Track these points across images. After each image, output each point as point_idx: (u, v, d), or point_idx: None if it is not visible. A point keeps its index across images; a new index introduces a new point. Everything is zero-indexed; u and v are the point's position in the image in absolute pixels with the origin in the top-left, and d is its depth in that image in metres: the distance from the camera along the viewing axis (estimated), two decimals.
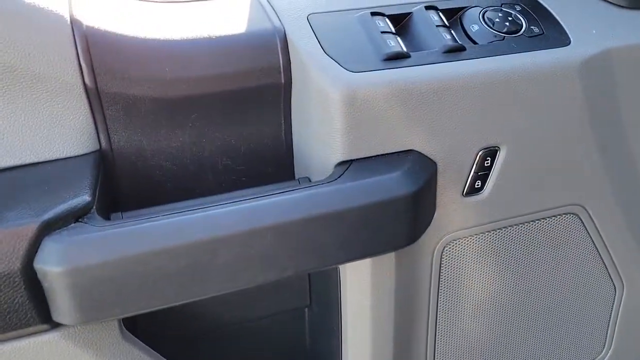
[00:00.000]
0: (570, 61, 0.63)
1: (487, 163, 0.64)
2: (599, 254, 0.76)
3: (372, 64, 0.59)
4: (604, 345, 0.84)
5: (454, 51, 0.61)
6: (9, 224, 0.48)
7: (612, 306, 0.81)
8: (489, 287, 0.72)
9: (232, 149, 0.64)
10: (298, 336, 0.80)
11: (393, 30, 0.62)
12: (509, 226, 0.70)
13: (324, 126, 0.59)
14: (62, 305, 0.49)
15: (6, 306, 0.49)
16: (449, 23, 0.64)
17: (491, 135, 0.63)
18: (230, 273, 0.53)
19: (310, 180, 0.62)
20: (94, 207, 0.52)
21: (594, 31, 0.66)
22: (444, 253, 0.67)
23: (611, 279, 0.78)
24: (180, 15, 0.63)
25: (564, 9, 0.68)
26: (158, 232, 0.51)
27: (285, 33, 0.61)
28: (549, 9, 0.68)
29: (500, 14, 0.66)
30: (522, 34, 0.65)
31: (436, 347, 0.73)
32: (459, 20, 0.66)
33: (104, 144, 0.58)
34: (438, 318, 0.71)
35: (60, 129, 0.55)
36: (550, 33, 0.65)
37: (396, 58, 0.59)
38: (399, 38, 0.61)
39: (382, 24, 0.62)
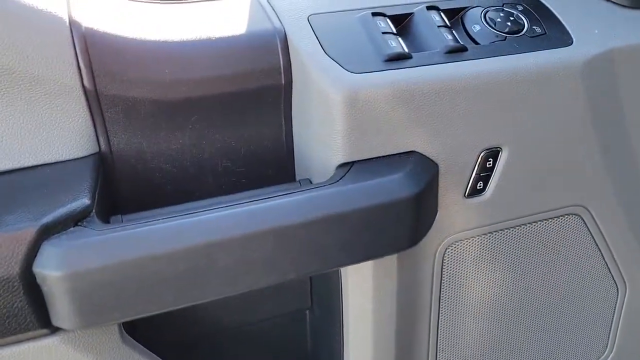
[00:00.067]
0: (572, 61, 0.63)
1: (489, 164, 0.64)
2: (602, 255, 0.76)
3: (374, 64, 0.58)
4: (607, 346, 0.83)
5: (456, 52, 0.61)
6: (8, 228, 0.48)
7: (615, 307, 0.80)
8: (491, 288, 0.72)
9: (232, 150, 0.63)
10: (299, 339, 0.80)
11: (394, 30, 0.62)
12: (511, 227, 0.69)
13: (325, 127, 0.58)
14: (61, 309, 0.49)
15: (5, 311, 0.49)
16: (450, 23, 0.64)
17: (493, 136, 0.63)
18: (230, 277, 0.52)
19: (311, 182, 0.62)
20: (94, 210, 0.51)
21: (597, 31, 0.66)
22: (446, 255, 0.67)
23: (614, 279, 0.78)
24: (180, 16, 0.62)
25: (566, 9, 0.67)
26: (158, 236, 0.50)
27: (285, 34, 0.61)
28: (550, 8, 0.67)
29: (502, 14, 0.65)
30: (524, 34, 0.64)
31: (438, 349, 0.72)
32: (460, 20, 0.65)
33: (103, 146, 0.58)
34: (440, 320, 0.71)
35: (59, 132, 0.54)
36: (553, 33, 0.65)
37: (397, 59, 0.59)
38: (400, 39, 0.61)
39: (383, 25, 0.61)
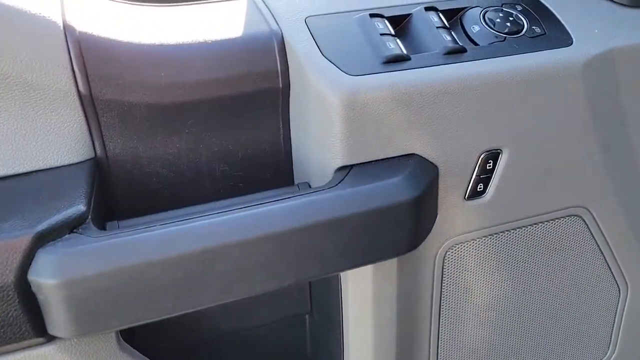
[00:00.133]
0: (572, 61, 0.62)
1: (489, 166, 0.64)
2: (603, 256, 0.75)
3: (372, 66, 0.57)
4: (609, 347, 0.83)
5: (455, 53, 0.60)
6: (3, 236, 0.47)
7: (617, 308, 0.80)
8: (492, 291, 0.71)
9: (230, 154, 0.63)
10: (299, 344, 0.79)
11: (392, 32, 0.61)
12: (512, 229, 0.69)
13: (323, 131, 0.58)
14: (57, 318, 0.48)
15: (0, 319, 0.48)
16: (449, 24, 0.63)
17: (493, 137, 0.62)
18: (228, 283, 0.52)
19: (309, 186, 0.61)
20: (89, 217, 0.51)
21: (597, 31, 0.65)
22: (446, 258, 0.66)
23: (615, 280, 0.77)
24: (175, 19, 0.62)
25: (566, 9, 0.67)
26: (154, 243, 0.49)
27: (282, 36, 0.60)
28: (550, 8, 0.67)
29: (501, 14, 0.65)
30: (523, 35, 0.64)
31: (439, 353, 0.72)
32: (459, 21, 0.65)
33: (99, 151, 0.57)
34: (441, 324, 0.70)
35: (54, 137, 0.54)
36: (552, 33, 0.64)
37: (396, 61, 0.58)
38: (398, 40, 0.60)
39: (381, 26, 0.61)
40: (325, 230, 0.53)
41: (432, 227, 0.63)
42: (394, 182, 0.56)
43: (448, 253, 0.66)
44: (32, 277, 0.47)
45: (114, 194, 0.60)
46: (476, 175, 0.63)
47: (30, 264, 0.47)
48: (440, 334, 0.71)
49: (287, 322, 0.77)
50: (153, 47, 0.57)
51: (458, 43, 0.61)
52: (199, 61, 0.58)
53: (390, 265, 0.62)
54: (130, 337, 0.64)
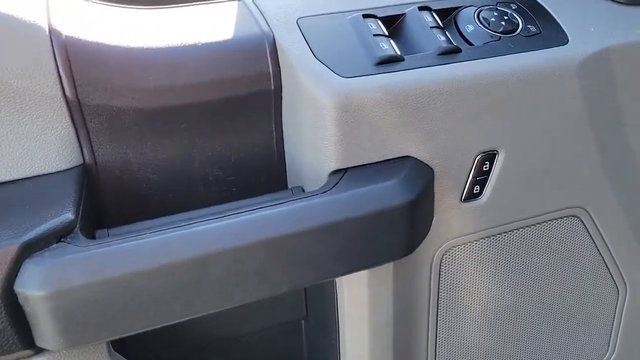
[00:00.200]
0: (568, 60, 0.62)
1: (486, 167, 0.63)
2: (602, 256, 0.74)
3: (365, 68, 0.57)
4: (608, 348, 0.82)
5: (449, 53, 0.59)
6: None
7: (616, 309, 0.79)
8: (491, 294, 0.70)
9: (222, 159, 0.62)
10: (294, 350, 0.78)
11: (386, 32, 0.60)
12: (509, 231, 0.68)
13: (316, 134, 0.57)
14: (45, 330, 0.47)
15: None
16: (443, 24, 0.62)
17: (489, 138, 0.61)
18: (222, 291, 0.51)
19: (303, 190, 0.60)
20: (78, 225, 0.50)
21: (592, 29, 0.64)
22: (443, 261, 0.66)
23: (614, 281, 0.77)
24: (164, 21, 0.61)
25: (561, 7, 0.66)
26: (145, 251, 0.48)
27: (274, 38, 0.59)
28: (545, 6, 0.66)
29: (495, 13, 0.64)
30: (518, 34, 0.63)
31: (437, 358, 0.71)
32: (453, 20, 0.64)
33: (87, 158, 0.56)
34: (438, 328, 0.69)
35: (41, 144, 0.53)
36: (548, 32, 0.64)
37: (389, 62, 0.57)
38: (392, 41, 0.59)
39: (374, 27, 0.60)
40: (319, 235, 0.52)
41: (428, 230, 0.62)
42: (388, 185, 0.55)
43: (445, 256, 0.65)
44: (19, 288, 0.46)
45: (104, 201, 0.58)
46: (472, 177, 0.62)
47: (17, 275, 0.46)
48: (437, 338, 0.70)
49: (283, 328, 0.76)
50: (142, 50, 0.56)
51: (452, 43, 0.60)
52: (189, 64, 0.57)
53: (386, 269, 0.62)
54: (121, 346, 0.63)
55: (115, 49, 0.55)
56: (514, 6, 0.65)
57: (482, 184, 0.63)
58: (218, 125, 0.60)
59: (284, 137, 0.63)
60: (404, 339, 0.67)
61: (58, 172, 0.54)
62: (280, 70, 0.59)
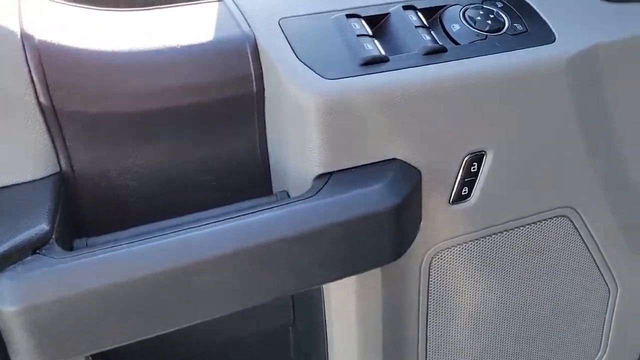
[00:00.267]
0: (555, 59, 0.61)
1: (474, 168, 0.62)
2: (592, 256, 0.74)
3: (349, 69, 0.55)
4: (599, 348, 0.82)
5: (435, 53, 0.58)
6: None
7: (607, 308, 0.79)
8: (481, 296, 0.69)
9: (205, 164, 0.60)
10: (282, 357, 0.77)
11: (370, 32, 0.59)
12: (499, 232, 0.67)
13: (300, 137, 0.55)
14: (20, 346, 0.45)
15: None
16: (428, 23, 0.61)
17: (477, 139, 0.60)
18: (205, 301, 0.49)
19: (288, 195, 0.59)
20: (53, 236, 0.48)
21: (579, 27, 0.64)
22: (432, 264, 0.64)
23: (605, 280, 0.76)
24: (142, 23, 0.59)
25: (548, 4, 0.65)
26: (123, 262, 0.47)
27: (255, 39, 0.58)
28: (531, 4, 0.65)
29: (481, 12, 0.63)
30: (504, 32, 0.62)
31: None
32: (438, 19, 0.63)
33: (64, 165, 0.54)
34: (429, 333, 0.68)
35: (14, 152, 0.51)
36: (534, 30, 0.63)
37: (374, 62, 0.56)
38: (376, 41, 0.58)
39: (358, 27, 0.59)
40: (305, 242, 0.51)
41: (416, 234, 0.61)
42: (375, 189, 0.54)
43: (434, 260, 0.64)
44: None
45: (82, 210, 0.57)
46: (460, 179, 0.61)
47: None
48: (428, 343, 0.69)
49: (270, 334, 0.74)
50: (118, 54, 0.55)
51: (438, 42, 0.59)
52: (168, 67, 0.56)
53: (374, 275, 0.60)
54: (104, 358, 0.61)
55: (91, 52, 0.53)
56: (500, 4, 0.64)
57: (471, 185, 0.62)
58: (199, 130, 0.58)
59: (267, 140, 0.62)
60: (394, 345, 0.66)
61: (33, 180, 0.52)
62: (262, 73, 0.58)
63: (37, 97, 0.51)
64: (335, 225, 0.52)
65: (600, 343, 0.81)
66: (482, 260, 0.67)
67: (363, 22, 0.60)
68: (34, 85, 0.50)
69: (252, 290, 0.51)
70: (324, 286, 0.62)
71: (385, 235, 0.55)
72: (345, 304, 0.61)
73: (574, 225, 0.71)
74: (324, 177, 0.55)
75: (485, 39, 0.61)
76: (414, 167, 0.58)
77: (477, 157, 0.61)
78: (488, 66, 0.58)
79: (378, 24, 0.61)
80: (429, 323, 0.67)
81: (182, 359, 0.71)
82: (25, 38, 0.50)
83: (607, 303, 0.78)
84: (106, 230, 0.53)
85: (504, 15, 0.63)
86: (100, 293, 0.45)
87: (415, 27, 0.59)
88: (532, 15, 0.64)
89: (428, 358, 0.70)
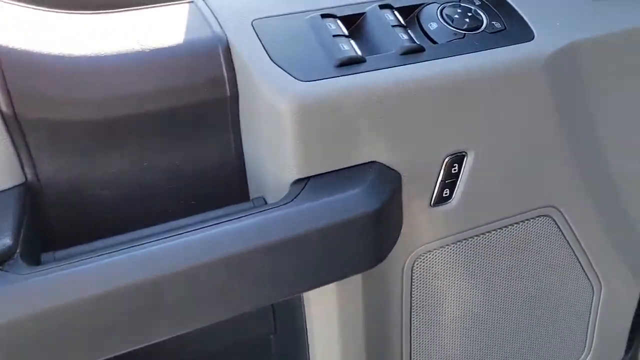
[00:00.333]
0: (534, 56, 0.60)
1: (455, 170, 0.61)
2: (575, 255, 0.73)
3: (325, 71, 0.54)
4: (584, 347, 0.81)
5: (412, 52, 0.57)
6: None
7: (591, 307, 0.78)
8: (465, 298, 0.68)
9: (178, 171, 0.58)
10: None
11: (346, 32, 0.57)
12: (481, 234, 0.66)
13: (275, 142, 0.54)
14: None
15: None
16: (405, 22, 0.60)
17: (457, 140, 0.59)
18: (180, 315, 0.48)
19: (265, 201, 0.57)
20: (18, 250, 0.46)
21: (558, 24, 0.63)
22: (414, 268, 0.63)
23: (589, 279, 0.76)
24: (110, 26, 0.57)
25: (526, 2, 0.64)
26: (92, 276, 0.45)
27: (227, 41, 0.56)
28: (510, 2, 0.64)
29: (459, 10, 0.61)
30: (483, 31, 0.61)
31: None
32: (416, 18, 0.61)
33: (29, 175, 0.52)
34: (413, 338, 0.67)
35: None
36: (513, 28, 0.62)
37: (350, 63, 0.55)
38: (352, 41, 0.57)
39: (333, 27, 0.57)
40: (281, 250, 0.50)
41: (397, 238, 0.59)
42: (354, 193, 0.53)
43: (416, 263, 0.63)
44: None
45: (50, 221, 0.54)
46: (441, 180, 0.60)
47: None
48: (412, 347, 0.67)
49: (251, 343, 0.73)
50: (84, 58, 0.52)
51: (415, 42, 0.58)
52: (137, 71, 0.54)
53: (355, 281, 0.59)
54: None
55: (54, 58, 0.51)
56: (477, 2, 0.63)
57: (452, 187, 0.61)
58: (171, 136, 0.56)
59: (243, 145, 0.60)
60: (378, 351, 0.65)
61: None
62: (235, 75, 0.56)
63: None
64: (313, 232, 0.50)
65: (585, 342, 0.81)
66: (465, 262, 0.66)
67: (339, 22, 0.58)
68: None
69: (228, 302, 0.49)
70: (304, 294, 0.60)
71: (365, 241, 0.53)
72: (326, 311, 0.60)
73: (557, 225, 0.70)
74: (301, 182, 0.54)
75: (464, 37, 0.60)
76: (393, 169, 0.57)
77: (458, 158, 0.60)
78: (466, 65, 0.57)
79: (354, 24, 0.60)
80: (412, 328, 0.66)
81: None
82: None
83: (592, 302, 0.78)
84: (76, 242, 0.50)
85: (482, 14, 0.62)
86: (66, 310, 0.43)
87: (392, 26, 0.58)
88: (510, 13, 0.63)
89: None
